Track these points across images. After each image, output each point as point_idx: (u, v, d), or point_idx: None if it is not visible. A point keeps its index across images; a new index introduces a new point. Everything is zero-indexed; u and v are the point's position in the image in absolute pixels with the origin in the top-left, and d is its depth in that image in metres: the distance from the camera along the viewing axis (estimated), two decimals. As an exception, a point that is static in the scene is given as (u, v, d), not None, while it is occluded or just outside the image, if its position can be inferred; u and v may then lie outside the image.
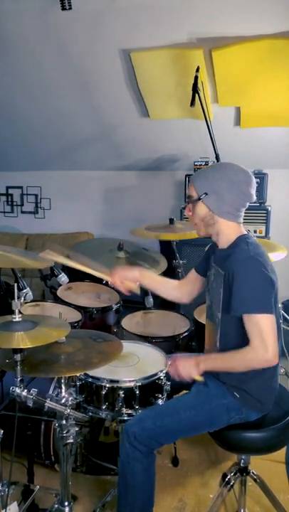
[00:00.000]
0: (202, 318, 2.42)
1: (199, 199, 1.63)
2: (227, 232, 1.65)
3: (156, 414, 1.63)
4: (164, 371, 1.77)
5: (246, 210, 3.50)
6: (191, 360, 1.64)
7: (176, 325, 2.40)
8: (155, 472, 1.64)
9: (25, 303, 2.29)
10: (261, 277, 1.51)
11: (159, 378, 1.77)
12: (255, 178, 3.54)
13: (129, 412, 1.71)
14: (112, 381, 1.72)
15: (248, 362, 1.50)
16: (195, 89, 2.63)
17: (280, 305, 2.10)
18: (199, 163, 3.49)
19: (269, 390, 1.64)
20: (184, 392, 1.82)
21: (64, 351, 1.55)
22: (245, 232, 1.67)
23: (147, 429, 1.57)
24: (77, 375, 1.74)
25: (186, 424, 1.62)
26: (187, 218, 3.46)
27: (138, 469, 1.57)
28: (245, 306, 1.50)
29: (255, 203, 3.38)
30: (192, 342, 2.43)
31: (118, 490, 1.62)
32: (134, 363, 1.90)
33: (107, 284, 2.81)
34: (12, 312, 1.43)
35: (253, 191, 1.64)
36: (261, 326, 1.46)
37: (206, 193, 1.62)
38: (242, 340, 1.53)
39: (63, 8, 2.44)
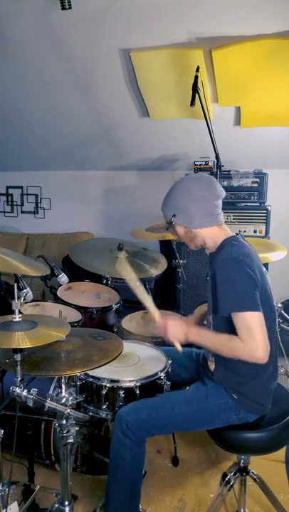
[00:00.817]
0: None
1: (172, 223, 1.71)
2: (211, 237, 1.69)
3: (151, 406, 1.65)
4: (164, 370, 1.77)
5: (246, 209, 3.50)
6: (182, 326, 1.65)
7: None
8: (144, 457, 1.67)
9: (25, 303, 2.29)
10: (243, 276, 1.52)
11: (159, 378, 1.77)
12: (255, 178, 3.56)
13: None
14: (112, 381, 1.72)
15: (237, 353, 1.51)
16: (195, 89, 2.63)
17: (279, 305, 2.11)
18: (199, 163, 3.49)
19: (266, 392, 1.65)
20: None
21: (64, 349, 1.55)
22: (232, 234, 1.69)
23: (141, 420, 1.59)
24: (78, 374, 1.74)
25: (180, 420, 1.64)
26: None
27: (127, 455, 1.60)
28: (231, 305, 1.51)
29: (255, 202, 3.42)
30: (192, 342, 2.42)
31: (108, 471, 1.64)
32: (134, 363, 1.91)
33: (107, 283, 2.82)
34: (12, 312, 1.43)
35: (215, 190, 1.67)
36: (249, 323, 1.47)
37: (174, 215, 1.70)
38: None
39: (63, 8, 2.44)
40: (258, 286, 1.53)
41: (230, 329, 1.53)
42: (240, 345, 1.48)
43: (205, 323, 1.84)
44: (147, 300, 1.77)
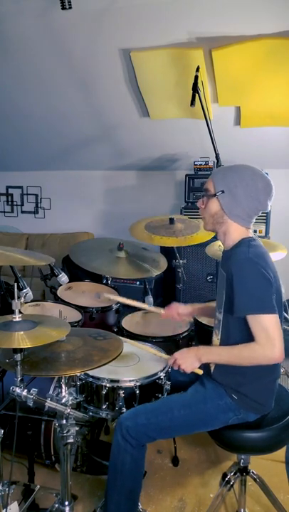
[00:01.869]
0: (202, 318, 2.42)
1: (215, 195, 1.63)
2: (233, 233, 1.66)
3: (150, 410, 1.64)
4: (164, 370, 1.78)
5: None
6: (191, 352, 1.64)
7: (176, 325, 2.40)
8: (144, 462, 1.67)
9: (25, 303, 2.29)
10: (260, 277, 1.51)
11: (159, 378, 1.77)
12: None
13: (130, 411, 1.72)
14: (112, 381, 1.72)
15: (255, 359, 1.51)
16: (195, 88, 2.63)
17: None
18: (199, 163, 3.49)
19: (268, 391, 1.64)
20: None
21: (64, 349, 1.55)
22: (252, 236, 1.67)
23: (140, 425, 1.59)
24: (78, 374, 1.74)
25: (180, 423, 1.63)
26: (187, 214, 3.47)
27: (127, 460, 1.60)
28: (247, 307, 1.50)
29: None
30: (192, 342, 2.43)
31: (108, 475, 1.64)
32: (135, 363, 1.91)
33: (107, 284, 2.82)
34: (12, 312, 1.43)
35: (269, 201, 1.64)
36: (265, 325, 1.47)
37: (222, 191, 1.61)
38: (242, 340, 1.53)
39: (63, 8, 2.44)
40: (274, 287, 1.53)
41: (242, 329, 1.53)
42: (257, 349, 1.48)
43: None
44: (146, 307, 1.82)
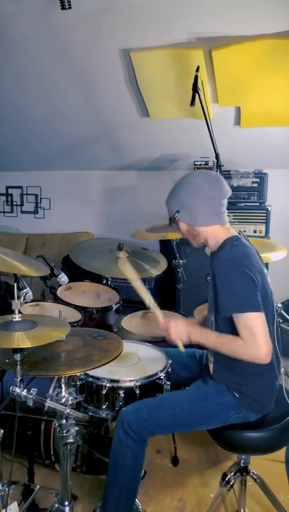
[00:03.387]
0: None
1: (175, 218, 1.69)
2: (213, 235, 1.67)
3: (152, 405, 1.65)
4: (164, 370, 1.78)
5: (246, 209, 3.49)
6: (185, 326, 1.68)
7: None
8: (144, 458, 1.68)
9: (25, 303, 2.29)
10: (243, 276, 1.51)
11: (159, 378, 1.77)
12: (255, 178, 3.56)
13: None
14: (112, 381, 1.72)
15: (239, 354, 1.51)
16: (195, 88, 2.63)
17: (279, 305, 2.11)
18: (199, 163, 3.49)
19: (268, 392, 1.64)
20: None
21: (64, 349, 1.56)
22: (235, 234, 1.67)
23: (142, 419, 1.60)
24: (78, 374, 1.74)
25: (181, 420, 1.64)
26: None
27: (128, 455, 1.60)
28: (231, 307, 1.51)
29: (255, 202, 3.42)
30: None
31: (108, 470, 1.65)
32: (135, 363, 1.91)
33: (107, 283, 2.82)
34: (12, 312, 1.43)
35: (223, 189, 1.65)
36: (250, 324, 1.47)
37: (178, 211, 1.67)
38: None
39: (63, 8, 2.44)
40: (258, 286, 1.52)
41: (233, 329, 1.53)
42: (242, 346, 1.48)
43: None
44: (150, 300, 1.77)
